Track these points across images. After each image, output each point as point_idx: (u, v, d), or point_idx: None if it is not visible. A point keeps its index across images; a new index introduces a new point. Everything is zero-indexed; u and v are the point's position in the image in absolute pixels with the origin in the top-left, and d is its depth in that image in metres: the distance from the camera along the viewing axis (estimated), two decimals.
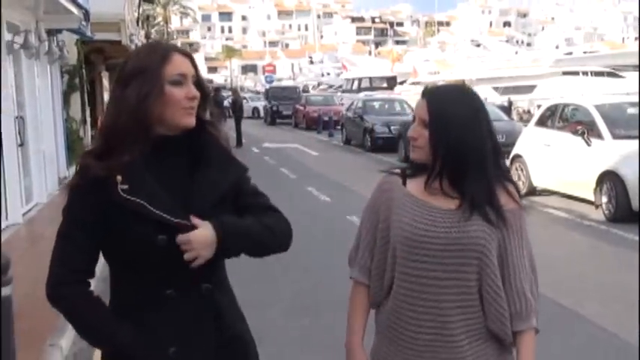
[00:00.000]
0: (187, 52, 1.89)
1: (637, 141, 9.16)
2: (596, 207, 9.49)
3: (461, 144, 1.94)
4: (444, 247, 1.95)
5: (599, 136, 9.74)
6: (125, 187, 1.76)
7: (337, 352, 5.26)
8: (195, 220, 1.80)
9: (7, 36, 9.14)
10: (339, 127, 24.07)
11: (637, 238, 8.16)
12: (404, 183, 2.08)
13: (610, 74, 27.27)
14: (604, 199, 9.33)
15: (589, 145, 9.78)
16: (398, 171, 2.12)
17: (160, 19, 63.49)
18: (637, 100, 10.64)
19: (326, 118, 26.61)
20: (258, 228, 1.91)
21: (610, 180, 9.19)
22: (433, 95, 2.02)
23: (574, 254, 7.74)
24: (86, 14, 12.04)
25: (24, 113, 10.10)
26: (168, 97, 1.80)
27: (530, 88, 27.78)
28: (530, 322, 2.00)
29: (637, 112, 10.30)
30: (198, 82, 1.87)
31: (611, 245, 8.10)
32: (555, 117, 11.09)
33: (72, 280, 1.81)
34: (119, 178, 1.76)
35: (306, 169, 16.01)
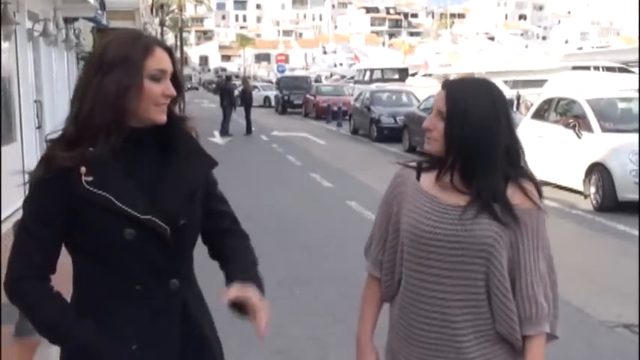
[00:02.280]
0: (168, 47, 1.85)
1: (624, 134, 9.59)
2: (585, 197, 9.94)
3: (475, 139, 1.89)
4: (450, 244, 1.91)
5: (589, 129, 10.15)
6: (90, 179, 1.70)
7: (322, 319, 5.83)
8: (252, 299, 1.82)
9: (27, 24, 9.66)
10: (347, 118, 24.49)
11: (620, 226, 8.61)
12: (418, 177, 2.05)
13: (621, 69, 27.39)
14: (592, 190, 9.76)
15: (579, 137, 10.20)
16: (414, 164, 2.08)
17: (174, 6, 63.91)
18: (629, 95, 11.02)
19: (335, 108, 26.91)
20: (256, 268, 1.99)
21: (598, 171, 9.61)
22: (453, 87, 1.97)
23: (555, 240, 8.17)
24: (102, 3, 12.56)
25: (42, 97, 10.63)
26: (145, 92, 1.75)
27: (540, 83, 27.91)
28: (541, 328, 1.94)
29: (628, 106, 10.72)
30: (175, 78, 1.83)
31: (592, 232, 8.55)
32: (550, 110, 11.51)
33: (32, 275, 1.75)
34: (83, 169, 1.70)
35: (312, 157, 16.49)
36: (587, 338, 5.01)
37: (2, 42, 8.41)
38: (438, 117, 1.95)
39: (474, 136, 1.89)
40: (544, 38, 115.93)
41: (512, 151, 1.95)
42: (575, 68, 27.18)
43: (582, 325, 5.30)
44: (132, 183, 1.75)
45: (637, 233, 8.11)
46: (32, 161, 9.42)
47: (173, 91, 1.79)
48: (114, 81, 1.71)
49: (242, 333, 5.19)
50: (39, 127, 10.24)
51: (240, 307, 1.85)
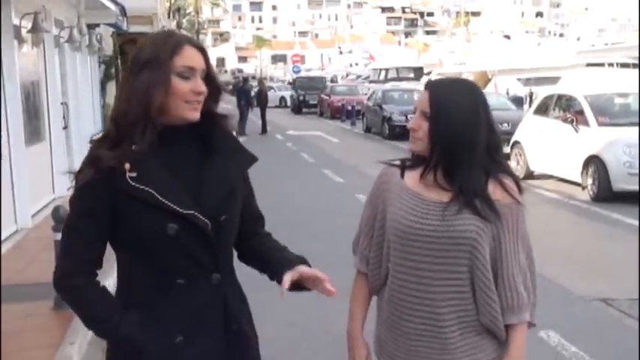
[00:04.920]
0: (200, 46, 1.86)
1: (619, 128, 10.07)
2: (583, 188, 10.43)
3: (458, 137, 1.94)
4: (435, 239, 1.97)
5: (586, 123, 10.64)
6: (133, 175, 1.75)
7: (329, 297, 6.42)
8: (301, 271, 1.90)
9: (54, 31, 10.30)
10: (361, 117, 24.91)
11: (613, 215, 9.08)
12: (402, 175, 2.10)
13: (636, 65, 27.41)
14: (589, 181, 10.25)
15: (577, 132, 10.69)
16: (398, 162, 2.13)
17: (190, 9, 64.72)
18: (625, 91, 11.47)
19: (349, 108, 27.39)
20: None
21: (594, 164, 10.11)
22: (436, 88, 2.02)
23: (552, 228, 8.68)
24: (122, 10, 13.18)
25: (67, 100, 11.27)
26: (172, 88, 1.79)
27: (554, 80, 28.05)
28: (522, 317, 2.02)
29: (625, 102, 11.18)
30: (209, 77, 1.86)
31: (587, 220, 9.04)
32: (550, 106, 11.98)
33: (80, 271, 1.80)
34: (127, 166, 1.74)
35: (325, 155, 17.04)
36: (566, 310, 5.53)
37: (31, 48, 9.05)
38: (422, 117, 2.00)
39: (457, 134, 1.94)
40: (561, 35, 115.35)
41: (492, 147, 2.01)
42: (589, 65, 27.37)
43: (563, 299, 5.81)
44: (174, 179, 1.79)
45: (629, 221, 8.61)
46: (60, 159, 10.11)
47: (203, 88, 1.82)
48: (143, 79, 1.78)
49: (256, 305, 5.88)
50: (65, 128, 10.88)
51: (296, 287, 1.95)
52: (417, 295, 2.01)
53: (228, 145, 1.92)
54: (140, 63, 1.80)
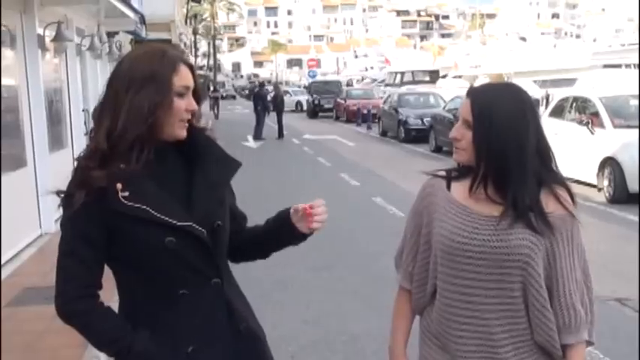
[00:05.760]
0: (190, 63, 1.88)
1: (634, 130, 10.11)
2: (599, 190, 10.48)
3: (505, 145, 1.83)
4: (485, 255, 1.87)
5: (602, 125, 10.70)
6: (126, 194, 1.74)
7: (343, 296, 6.51)
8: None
9: (75, 39, 10.52)
10: (377, 120, 25.00)
11: (629, 216, 9.14)
12: (448, 186, 2.01)
13: None
14: (605, 183, 10.32)
15: (592, 133, 10.74)
16: (443, 173, 2.04)
17: (206, 15, 65.18)
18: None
19: (365, 111, 27.46)
20: None
21: (610, 165, 10.17)
22: (478, 95, 1.92)
23: None
24: (142, 17, 13.40)
25: (88, 106, 11.47)
26: (174, 108, 1.81)
27: (570, 81, 27.90)
28: (581, 336, 1.93)
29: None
30: (196, 92, 1.88)
31: (603, 222, 9.08)
32: (566, 108, 12.04)
33: (82, 295, 1.78)
34: (119, 185, 1.73)
35: (342, 158, 17.15)
36: None
37: (54, 56, 9.25)
38: (464, 126, 1.91)
39: (503, 143, 1.84)
40: (577, 37, 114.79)
41: (544, 154, 1.90)
42: (606, 66, 27.23)
43: None
44: (166, 192, 1.80)
45: None
46: None
47: (195, 106, 1.86)
48: (145, 97, 1.76)
49: (273, 306, 6.05)
50: (87, 134, 11.07)
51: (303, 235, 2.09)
52: (468, 315, 1.92)
53: (213, 153, 1.93)
54: (137, 80, 1.77)
